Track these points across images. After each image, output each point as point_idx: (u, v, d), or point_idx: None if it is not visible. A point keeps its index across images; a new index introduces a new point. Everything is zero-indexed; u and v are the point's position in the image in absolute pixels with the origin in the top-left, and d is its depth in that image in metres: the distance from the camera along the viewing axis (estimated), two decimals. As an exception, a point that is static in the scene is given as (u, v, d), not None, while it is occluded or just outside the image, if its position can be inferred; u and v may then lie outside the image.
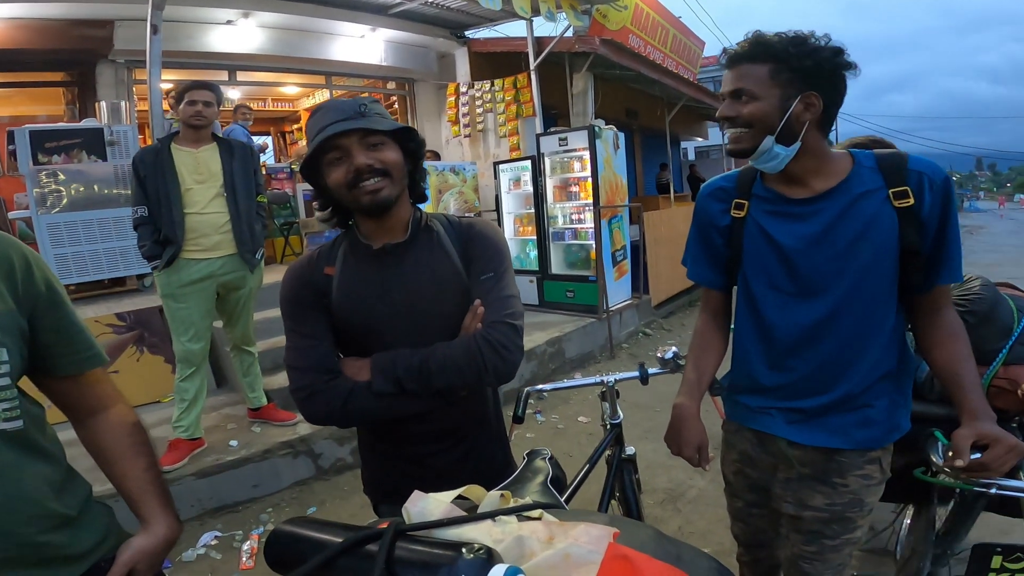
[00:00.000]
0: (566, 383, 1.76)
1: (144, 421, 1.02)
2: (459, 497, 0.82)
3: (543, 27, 6.81)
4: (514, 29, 7.64)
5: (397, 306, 1.13)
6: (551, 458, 1.15)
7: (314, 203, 1.21)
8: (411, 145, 1.15)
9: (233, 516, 2.83)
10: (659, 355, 1.64)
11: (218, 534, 2.67)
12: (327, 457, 3.21)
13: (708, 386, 1.36)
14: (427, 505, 0.79)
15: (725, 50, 1.17)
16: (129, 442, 0.96)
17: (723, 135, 13.71)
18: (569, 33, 6.66)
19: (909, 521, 1.85)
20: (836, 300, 1.16)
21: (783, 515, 1.30)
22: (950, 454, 1.09)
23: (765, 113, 1.11)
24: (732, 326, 1.37)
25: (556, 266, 5.92)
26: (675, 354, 1.62)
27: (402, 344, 1.11)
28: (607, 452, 1.77)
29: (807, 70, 1.09)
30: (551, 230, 5.88)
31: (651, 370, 1.70)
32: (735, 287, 1.35)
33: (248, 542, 2.59)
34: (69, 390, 0.94)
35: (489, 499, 0.84)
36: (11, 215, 4.85)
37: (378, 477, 1.28)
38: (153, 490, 0.96)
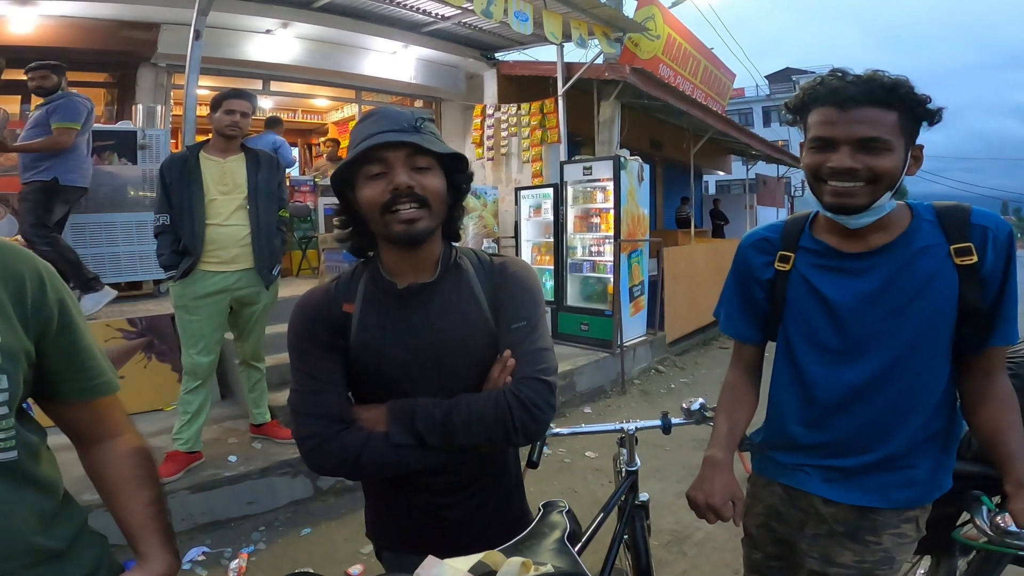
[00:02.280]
0: (584, 428, 1.69)
1: (144, 430, 0.95)
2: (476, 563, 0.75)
3: (573, 53, 6.86)
4: (544, 53, 7.73)
5: (420, 353, 1.03)
6: (568, 511, 1.09)
7: (335, 220, 1.09)
8: (458, 177, 1.06)
9: (224, 532, 2.75)
10: (684, 406, 1.58)
11: (206, 550, 2.59)
12: (327, 479, 3.13)
13: (740, 441, 1.30)
14: (442, 573, 0.73)
15: (829, 86, 1.03)
16: (134, 474, 0.90)
17: (747, 169, 13.78)
18: (599, 60, 6.67)
19: (923, 572, 1.79)
20: (887, 360, 1.10)
21: (805, 570, 1.24)
22: (997, 519, 1.08)
23: (896, 167, 1.02)
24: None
25: (572, 298, 5.84)
26: (702, 405, 1.56)
27: (423, 393, 1.02)
28: (621, 498, 1.70)
29: (922, 118, 1.03)
30: (569, 261, 5.82)
31: (675, 420, 1.64)
32: (769, 341, 1.29)
33: (236, 560, 2.50)
34: (75, 416, 0.88)
35: (508, 567, 0.78)
36: (37, 211, 4.90)
37: (385, 523, 1.18)
38: (155, 526, 0.89)
